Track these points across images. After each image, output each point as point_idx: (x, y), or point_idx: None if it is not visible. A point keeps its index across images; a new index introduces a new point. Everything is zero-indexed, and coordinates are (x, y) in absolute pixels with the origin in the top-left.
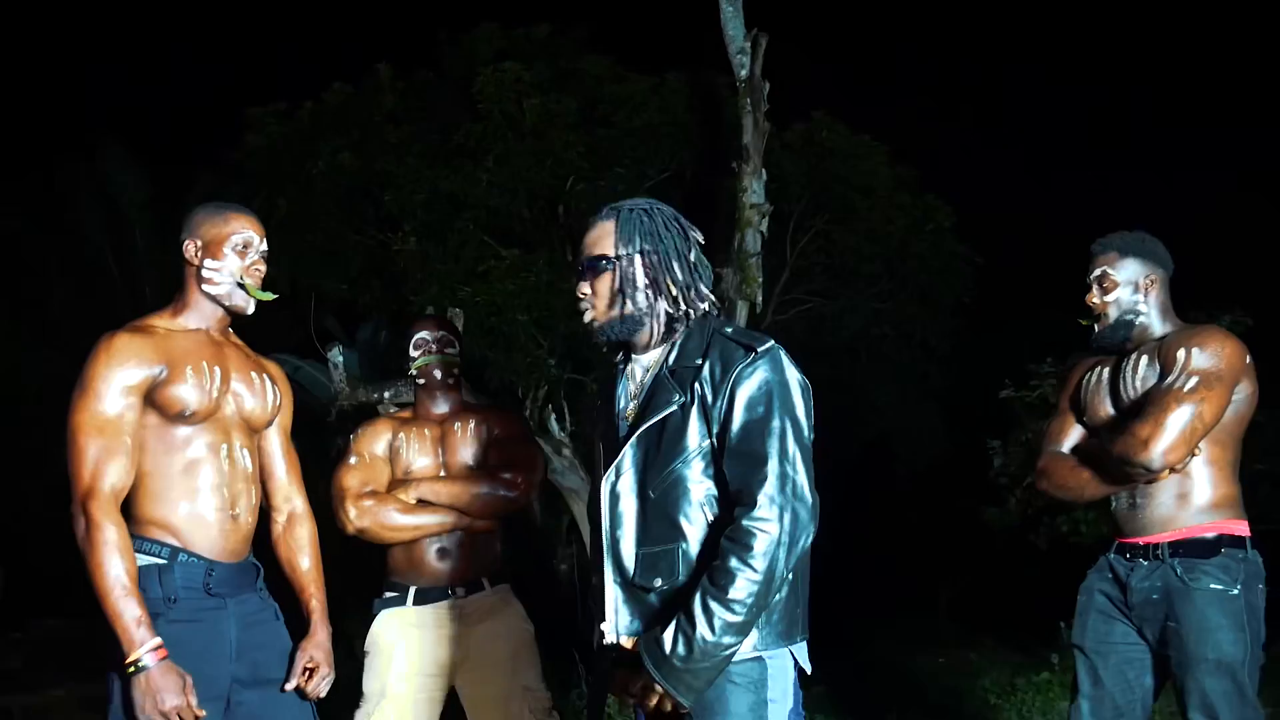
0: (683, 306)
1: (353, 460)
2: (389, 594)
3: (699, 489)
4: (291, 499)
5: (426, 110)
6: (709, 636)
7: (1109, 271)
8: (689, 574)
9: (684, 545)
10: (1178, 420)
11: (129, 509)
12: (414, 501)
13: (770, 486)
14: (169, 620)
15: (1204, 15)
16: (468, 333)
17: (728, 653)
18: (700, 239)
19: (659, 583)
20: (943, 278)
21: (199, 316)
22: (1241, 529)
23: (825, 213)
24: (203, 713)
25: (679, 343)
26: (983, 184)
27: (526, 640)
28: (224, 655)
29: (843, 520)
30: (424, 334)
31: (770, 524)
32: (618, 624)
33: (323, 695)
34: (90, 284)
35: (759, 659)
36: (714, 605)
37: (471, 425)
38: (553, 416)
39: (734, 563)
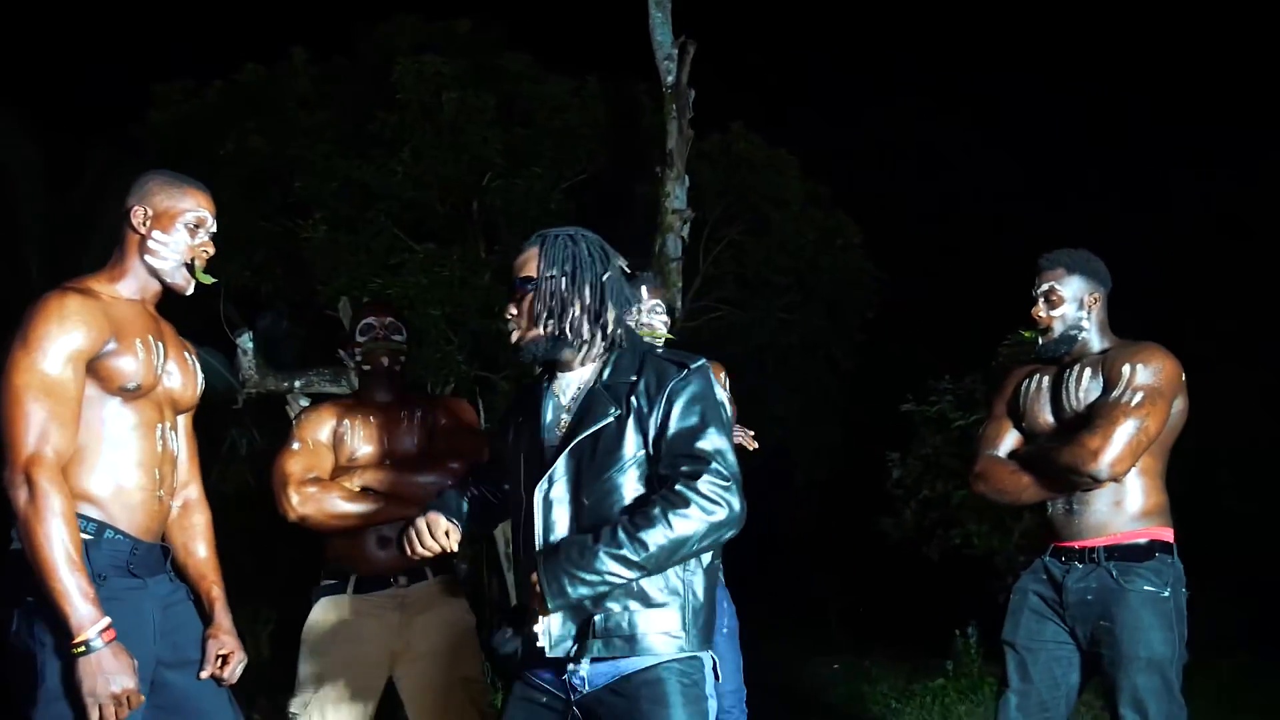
0: (600, 328)
1: (295, 446)
2: (328, 581)
3: (632, 495)
4: (189, 485)
5: (341, 97)
6: (600, 557)
7: (1056, 287)
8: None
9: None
10: (1125, 433)
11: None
12: (358, 489)
13: (712, 478)
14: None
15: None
16: None
17: (606, 580)
18: (624, 266)
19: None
20: (849, 292)
21: (136, 287)
22: (1169, 536)
23: (739, 223)
24: (142, 698)
25: (612, 360)
26: (890, 202)
27: (468, 630)
28: (148, 636)
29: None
30: (371, 319)
31: (705, 502)
32: (551, 629)
33: (235, 681)
34: None
35: (696, 658)
36: (621, 535)
37: (418, 413)
38: None
39: (657, 512)
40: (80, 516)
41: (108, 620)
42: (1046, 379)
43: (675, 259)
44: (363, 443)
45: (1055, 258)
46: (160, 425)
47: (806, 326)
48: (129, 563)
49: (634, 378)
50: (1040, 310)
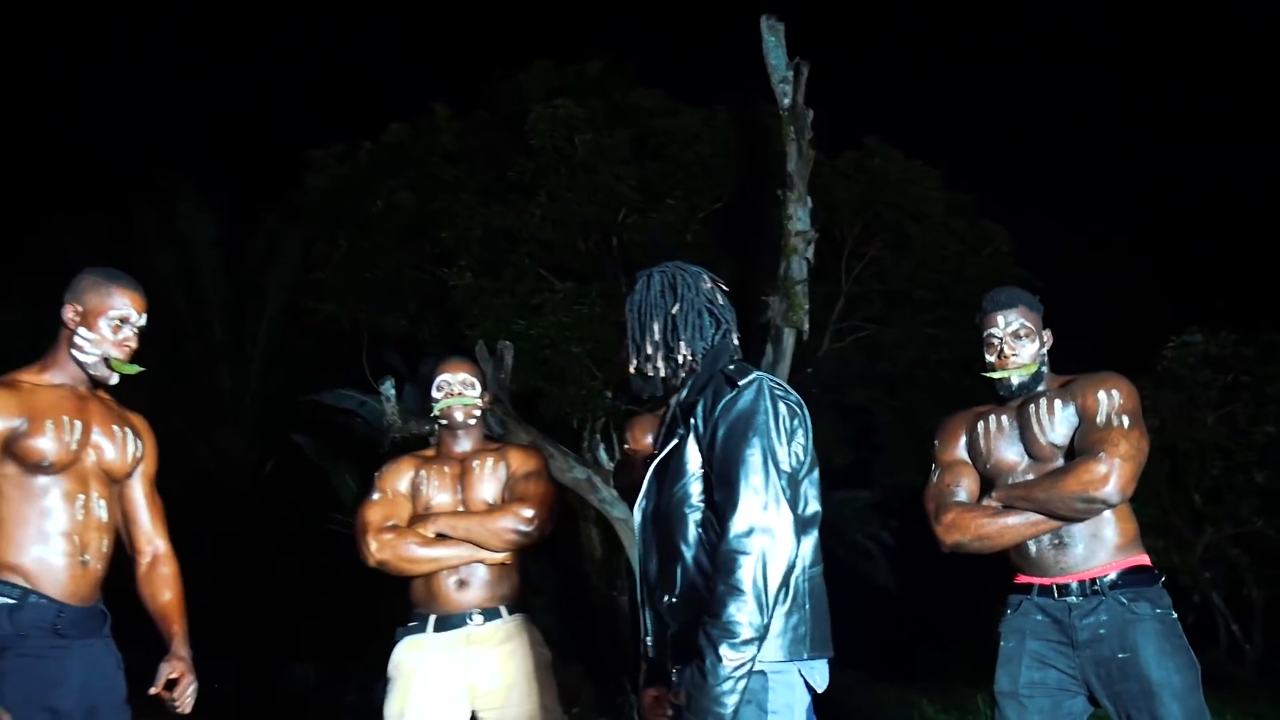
0: (671, 361)
1: (375, 496)
2: (411, 623)
3: (695, 512)
4: (154, 541)
5: (481, 148)
6: (716, 662)
7: (1026, 323)
8: (686, 589)
9: (684, 563)
10: (1128, 456)
11: None
12: (432, 535)
13: (743, 513)
14: (19, 654)
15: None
16: (522, 366)
17: (738, 672)
18: (711, 292)
19: (667, 598)
20: None
21: (65, 374)
22: (1149, 561)
23: (878, 239)
24: None
25: (691, 381)
26: (1043, 208)
27: (543, 664)
28: (69, 692)
29: (902, 551)
30: (446, 376)
31: (745, 546)
32: (649, 638)
33: (188, 709)
34: (162, 323)
35: (760, 672)
36: (713, 632)
37: (490, 462)
38: (601, 447)
39: (721, 589)
40: (6, 584)
41: None
42: (1005, 418)
43: (800, 281)
44: (438, 492)
45: (1015, 295)
46: (81, 496)
47: (957, 340)
48: (54, 624)
49: (698, 397)
50: (1012, 347)
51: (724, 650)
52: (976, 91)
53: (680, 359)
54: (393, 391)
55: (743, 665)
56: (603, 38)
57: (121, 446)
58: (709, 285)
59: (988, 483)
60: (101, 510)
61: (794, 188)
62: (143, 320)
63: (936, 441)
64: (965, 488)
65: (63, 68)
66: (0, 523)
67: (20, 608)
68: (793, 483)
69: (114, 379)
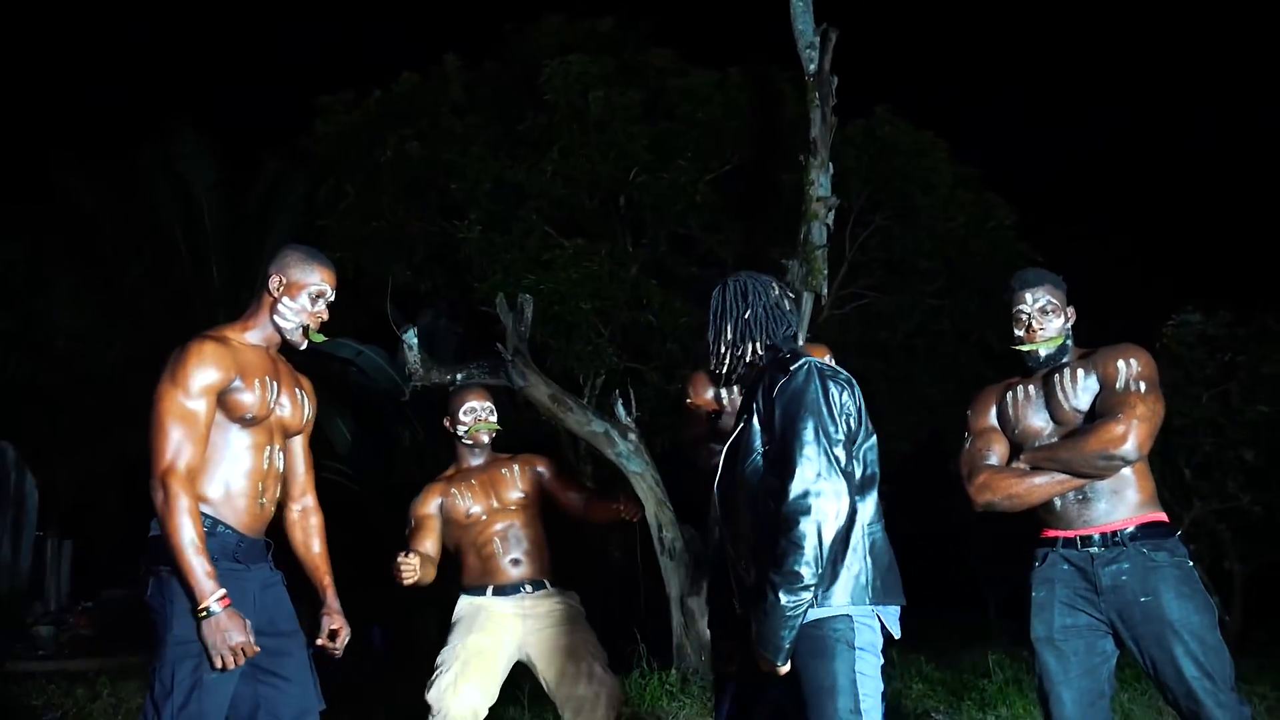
0: (741, 358)
1: (407, 531)
2: (471, 590)
3: (759, 484)
4: (306, 494)
5: (491, 101)
6: (776, 603)
7: (1053, 300)
8: (753, 552)
9: (752, 529)
10: (1144, 416)
11: None
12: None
13: (800, 479)
14: None
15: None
16: (531, 321)
17: (795, 612)
18: (772, 300)
19: (742, 561)
20: (1002, 276)
21: (262, 336)
22: (1167, 518)
23: (885, 208)
24: (257, 649)
25: (759, 369)
26: (1045, 182)
27: (582, 614)
28: (248, 608)
29: (893, 517)
30: (474, 404)
31: (802, 507)
32: (735, 598)
33: (341, 653)
34: (163, 263)
35: (846, 615)
36: (776, 580)
37: (515, 468)
38: (619, 401)
39: (783, 544)
40: (200, 515)
41: (224, 590)
42: (1032, 388)
43: (821, 246)
44: (472, 502)
45: (1042, 274)
46: (268, 447)
47: (957, 311)
48: (235, 552)
49: (762, 382)
50: (1040, 322)
51: (783, 595)
52: (982, 63)
53: (749, 358)
54: (415, 340)
55: (799, 607)
56: None
57: (299, 406)
58: (776, 292)
59: (1017, 449)
60: (280, 460)
61: (816, 154)
62: (333, 295)
63: (970, 412)
64: (996, 453)
65: (68, 8)
66: (202, 461)
67: (210, 536)
68: (847, 450)
69: (304, 345)
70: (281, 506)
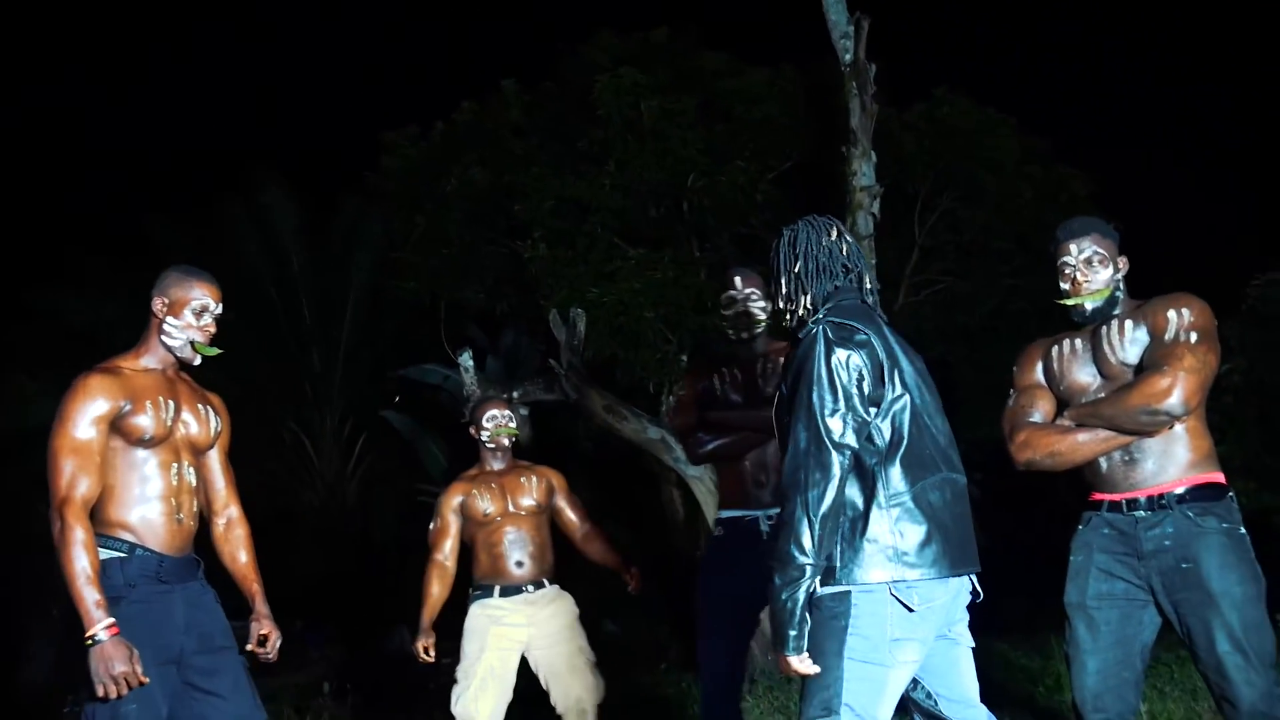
0: (792, 312)
1: (431, 526)
2: (480, 589)
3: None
4: (229, 506)
5: (550, 121)
6: (770, 585)
7: (1100, 250)
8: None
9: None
10: (1193, 369)
11: (98, 513)
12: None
13: (791, 455)
14: (130, 601)
15: None
16: (597, 333)
17: (790, 592)
18: (835, 243)
19: None
20: None
21: (156, 359)
22: (1223, 478)
23: (951, 190)
24: (146, 679)
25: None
26: (1121, 148)
27: (577, 617)
28: (175, 629)
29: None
30: (495, 411)
31: (791, 483)
32: None
33: (274, 658)
34: (254, 307)
35: (845, 593)
36: (771, 561)
37: (533, 478)
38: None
39: (780, 520)
40: (118, 540)
41: (110, 620)
42: (1079, 341)
43: (867, 236)
44: (490, 503)
45: (1088, 223)
46: (175, 464)
47: (1037, 289)
48: (158, 572)
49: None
50: (1085, 274)
51: (776, 577)
52: (1045, 35)
53: (801, 312)
54: (470, 362)
55: (794, 589)
56: (666, 3)
57: (205, 422)
58: (832, 237)
59: (1064, 405)
60: (191, 476)
61: (857, 143)
62: (219, 309)
63: (1015, 368)
64: (1040, 410)
65: (149, 66)
66: (110, 489)
67: (129, 560)
68: (855, 418)
69: (197, 360)
70: (209, 522)
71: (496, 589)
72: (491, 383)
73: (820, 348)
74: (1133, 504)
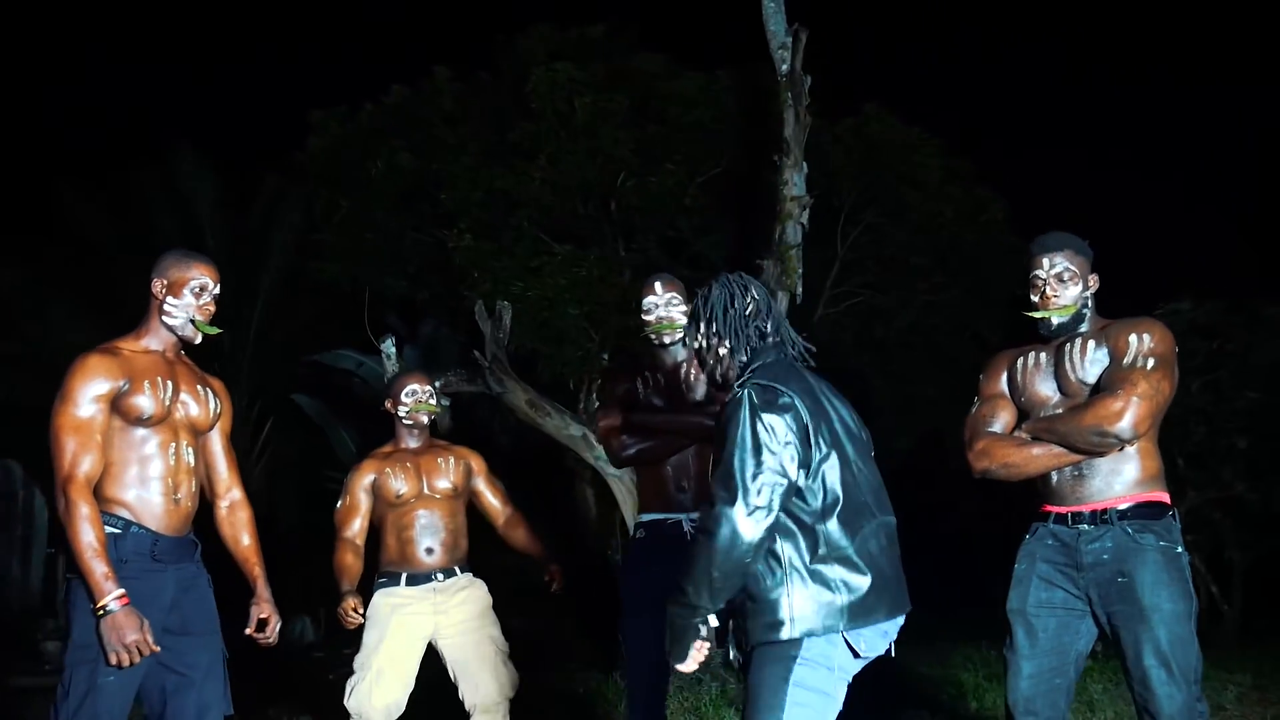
0: (714, 367)
1: (339, 504)
2: (386, 577)
3: None
4: (231, 489)
5: (482, 111)
6: (673, 601)
7: (1071, 267)
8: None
9: None
10: (1146, 394)
11: (96, 490)
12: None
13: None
14: (121, 577)
15: None
16: (520, 327)
17: (676, 622)
18: (741, 297)
19: None
20: (995, 268)
21: (157, 340)
22: (1167, 498)
23: (875, 206)
24: (158, 648)
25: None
26: (1038, 176)
27: (490, 605)
28: (160, 607)
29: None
30: (415, 386)
31: (709, 530)
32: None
33: (274, 641)
34: None
35: (795, 641)
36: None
37: (451, 460)
38: (596, 405)
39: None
40: (114, 517)
41: (122, 591)
42: (1044, 355)
43: (795, 246)
44: (403, 484)
45: (1062, 239)
46: (174, 444)
47: (952, 306)
48: (151, 551)
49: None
50: (1054, 289)
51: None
52: (972, 59)
53: (723, 367)
54: (393, 349)
55: (683, 618)
56: (604, 1)
57: (204, 404)
58: (746, 300)
59: (1024, 416)
60: (190, 456)
61: (790, 153)
62: (218, 289)
63: (981, 376)
64: (1001, 420)
65: (65, 33)
66: (108, 467)
67: (124, 537)
68: (785, 480)
69: (199, 338)
70: (212, 504)
71: (403, 577)
72: (435, 367)
73: (745, 413)
74: (1077, 517)
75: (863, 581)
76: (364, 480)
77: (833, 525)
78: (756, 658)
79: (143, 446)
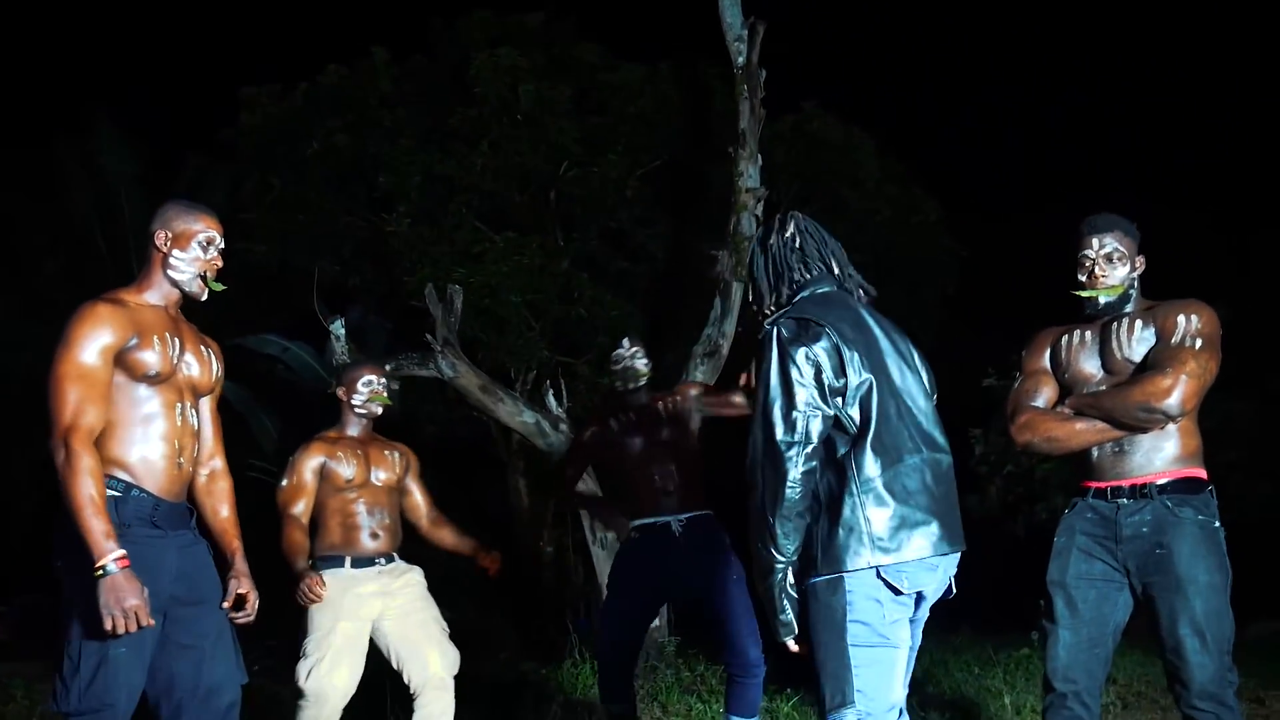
0: (759, 307)
1: (284, 483)
2: (328, 560)
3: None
4: (215, 457)
5: (420, 94)
6: (757, 575)
7: (1120, 248)
8: None
9: None
10: (1193, 373)
11: (97, 449)
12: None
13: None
14: (123, 542)
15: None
16: (461, 314)
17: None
18: (785, 243)
19: None
20: (928, 270)
21: (158, 295)
22: (1205, 475)
23: (814, 203)
24: (153, 621)
25: None
26: (970, 178)
27: (427, 589)
28: (165, 575)
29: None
30: (372, 377)
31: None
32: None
33: (253, 619)
34: (80, 260)
35: (835, 580)
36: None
37: (397, 454)
38: (549, 392)
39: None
40: (113, 478)
41: (122, 551)
42: (1089, 334)
43: (750, 236)
44: (353, 470)
45: (1112, 220)
46: (180, 405)
47: (885, 305)
48: (152, 516)
49: None
50: (1103, 269)
51: (755, 572)
52: (910, 60)
53: (768, 308)
54: (343, 330)
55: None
56: None
57: (206, 364)
58: (787, 234)
59: (1066, 392)
60: (194, 419)
61: (745, 145)
62: (223, 243)
63: (1024, 351)
64: (1043, 395)
65: None
66: (109, 424)
67: (124, 500)
68: (818, 408)
69: (205, 295)
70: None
71: (348, 560)
72: (362, 355)
73: (773, 348)
74: (1117, 491)
75: (890, 516)
76: (312, 462)
77: (865, 455)
78: (807, 598)
79: (147, 405)
